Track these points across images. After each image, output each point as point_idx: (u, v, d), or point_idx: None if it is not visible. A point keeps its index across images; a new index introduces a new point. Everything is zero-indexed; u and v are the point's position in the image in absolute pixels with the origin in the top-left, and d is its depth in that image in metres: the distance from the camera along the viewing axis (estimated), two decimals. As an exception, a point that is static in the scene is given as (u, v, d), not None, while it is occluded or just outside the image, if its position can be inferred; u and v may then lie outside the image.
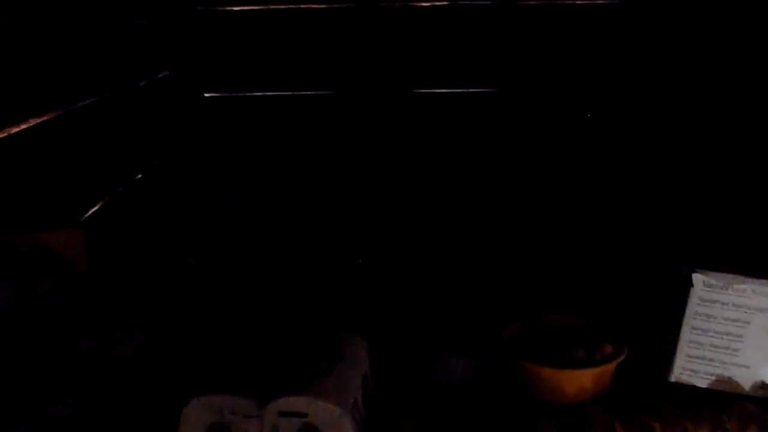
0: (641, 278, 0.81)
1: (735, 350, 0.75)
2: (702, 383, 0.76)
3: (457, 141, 1.66)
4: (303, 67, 1.72)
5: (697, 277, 0.74)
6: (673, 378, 0.76)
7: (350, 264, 1.07)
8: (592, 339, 0.80)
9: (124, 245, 1.12)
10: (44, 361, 0.76)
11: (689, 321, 0.75)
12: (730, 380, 0.76)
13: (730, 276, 0.74)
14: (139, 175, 1.45)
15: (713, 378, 0.76)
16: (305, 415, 0.65)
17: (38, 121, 1.03)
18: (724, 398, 0.75)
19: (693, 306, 0.75)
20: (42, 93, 1.05)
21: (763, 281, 0.73)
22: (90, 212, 1.22)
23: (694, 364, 0.76)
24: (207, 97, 1.70)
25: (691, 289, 0.74)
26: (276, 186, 1.55)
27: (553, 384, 0.77)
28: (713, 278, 0.74)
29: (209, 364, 0.70)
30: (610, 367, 0.77)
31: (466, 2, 1.68)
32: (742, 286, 0.74)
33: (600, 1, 1.61)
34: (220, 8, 1.65)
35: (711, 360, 0.76)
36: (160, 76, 1.62)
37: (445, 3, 1.65)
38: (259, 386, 0.66)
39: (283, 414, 0.65)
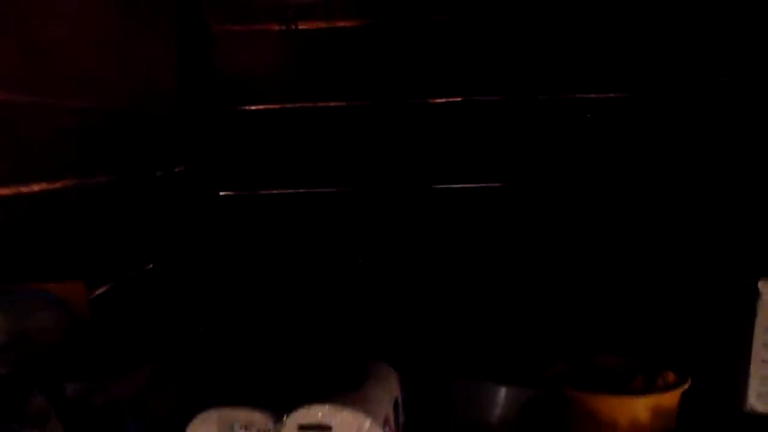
0: (700, 297, 0.73)
1: (818, 369, 0.65)
2: (783, 411, 0.66)
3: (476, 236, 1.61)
4: (320, 164, 1.71)
5: (765, 285, 0.66)
6: (749, 407, 0.66)
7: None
8: (651, 369, 0.70)
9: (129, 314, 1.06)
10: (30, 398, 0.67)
11: (760, 337, 0.66)
12: (816, 406, 0.65)
13: (801, 283, 0.66)
14: (150, 265, 1.40)
15: (795, 404, 0.66)
16: (329, 429, 0.55)
17: (53, 186, 1.01)
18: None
19: (763, 319, 0.66)
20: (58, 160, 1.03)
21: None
22: (96, 293, 1.16)
23: (771, 388, 0.66)
24: (221, 194, 1.68)
25: (759, 300, 0.66)
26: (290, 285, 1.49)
27: (606, 417, 0.67)
28: (783, 286, 0.66)
29: (220, 378, 0.61)
30: (673, 396, 0.68)
31: (480, 98, 1.69)
32: (818, 293, 0.66)
33: (612, 95, 1.62)
34: (239, 108, 1.67)
35: (790, 383, 0.66)
36: (176, 170, 1.61)
37: (459, 99, 1.66)
38: (276, 398, 0.57)
39: (303, 427, 0.56)
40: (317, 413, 0.55)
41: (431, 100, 1.70)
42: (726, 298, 0.68)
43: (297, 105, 1.68)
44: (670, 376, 0.69)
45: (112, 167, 1.23)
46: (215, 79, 1.65)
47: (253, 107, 1.68)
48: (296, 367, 0.63)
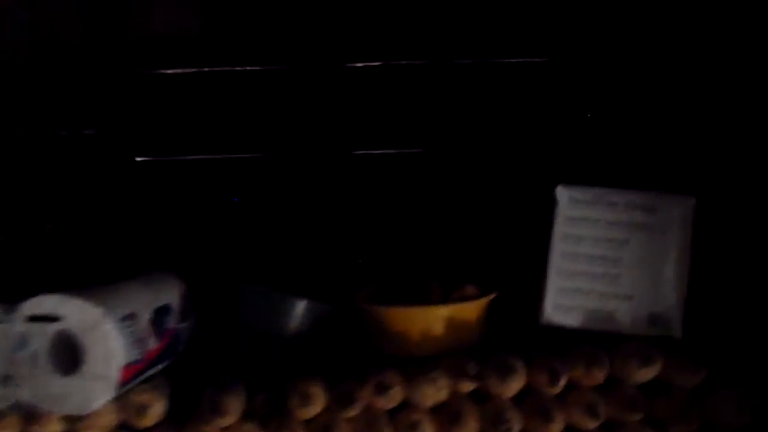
0: (503, 209, 0.71)
1: (614, 277, 0.62)
2: (579, 321, 0.63)
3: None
4: (239, 129, 1.68)
5: (562, 192, 0.63)
6: (545, 319, 0.63)
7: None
8: (452, 282, 0.68)
9: None
10: None
11: (558, 246, 0.63)
12: (611, 316, 0.62)
13: (598, 189, 0.63)
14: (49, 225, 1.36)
15: (592, 315, 0.63)
16: (57, 319, 0.52)
17: None
18: (606, 340, 0.62)
19: (560, 227, 0.63)
20: None
21: (638, 193, 0.63)
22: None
23: (567, 298, 0.63)
24: (137, 160, 1.65)
25: (556, 207, 0.63)
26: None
27: (401, 329, 0.64)
28: (579, 192, 0.63)
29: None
30: (470, 308, 0.65)
31: (400, 62, 1.65)
32: (614, 199, 0.62)
33: (529, 60, 1.59)
34: (154, 71, 1.63)
35: (587, 292, 0.63)
36: (86, 132, 1.57)
37: (378, 63, 1.63)
38: (10, 291, 0.54)
39: (33, 318, 0.53)
40: (44, 303, 0.52)
41: (349, 64, 1.67)
42: (530, 207, 0.65)
43: (214, 69, 1.64)
44: (469, 290, 0.66)
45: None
46: (128, 40, 1.61)
47: (169, 71, 1.65)
48: (36, 254, 0.60)
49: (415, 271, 0.76)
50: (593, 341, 0.62)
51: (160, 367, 0.60)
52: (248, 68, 1.64)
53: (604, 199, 0.63)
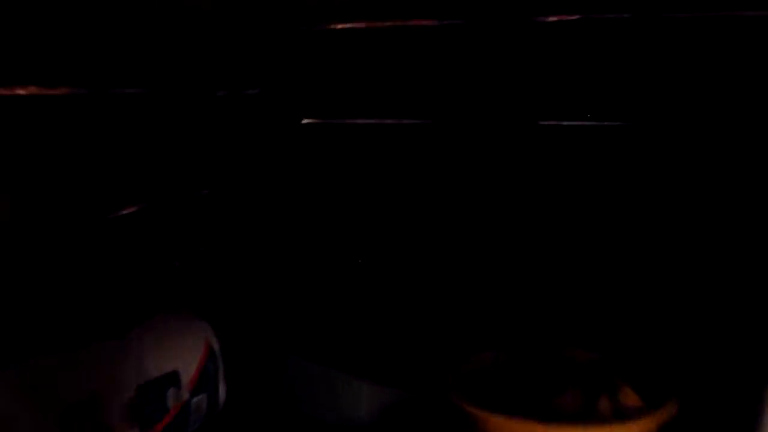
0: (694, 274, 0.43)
1: None
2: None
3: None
4: (412, 92, 1.50)
5: None
6: None
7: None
8: (601, 380, 0.42)
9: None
10: None
11: None
12: None
13: None
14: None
15: None
16: None
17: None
18: None
19: None
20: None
21: None
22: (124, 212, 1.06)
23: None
24: (303, 122, 1.55)
25: None
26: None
27: None
28: None
29: None
30: (631, 429, 0.39)
31: (601, 16, 1.36)
32: None
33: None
34: (321, 27, 1.51)
35: None
36: (248, 92, 1.49)
37: (576, 17, 1.35)
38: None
39: None
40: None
41: (540, 19, 1.41)
42: (735, 274, 0.38)
43: (385, 24, 1.48)
44: (629, 397, 0.40)
45: (148, 81, 1.11)
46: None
47: (338, 26, 1.51)
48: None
49: (542, 333, 0.52)
50: None
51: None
52: (422, 23, 1.42)
53: None
